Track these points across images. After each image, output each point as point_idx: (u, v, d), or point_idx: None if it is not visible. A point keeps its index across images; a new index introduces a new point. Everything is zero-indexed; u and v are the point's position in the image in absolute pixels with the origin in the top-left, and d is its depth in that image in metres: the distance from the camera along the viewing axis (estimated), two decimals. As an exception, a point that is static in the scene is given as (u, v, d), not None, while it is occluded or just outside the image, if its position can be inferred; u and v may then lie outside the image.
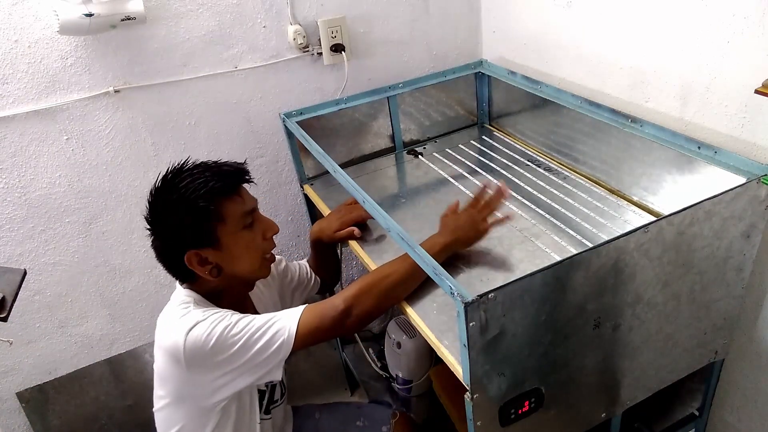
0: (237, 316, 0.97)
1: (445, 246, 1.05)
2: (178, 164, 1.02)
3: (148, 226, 1.02)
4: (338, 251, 1.44)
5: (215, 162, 1.04)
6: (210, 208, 0.97)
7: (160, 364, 1.01)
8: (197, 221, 0.97)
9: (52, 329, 1.54)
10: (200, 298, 1.04)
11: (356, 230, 1.26)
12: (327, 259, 1.40)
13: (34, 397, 1.56)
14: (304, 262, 1.40)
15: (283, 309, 1.24)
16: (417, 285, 1.05)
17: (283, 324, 0.97)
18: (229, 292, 1.07)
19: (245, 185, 1.05)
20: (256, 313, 1.15)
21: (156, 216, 1.00)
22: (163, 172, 1.01)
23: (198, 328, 0.93)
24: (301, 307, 1.00)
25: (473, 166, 1.51)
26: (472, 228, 1.09)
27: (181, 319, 0.96)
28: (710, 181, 1.06)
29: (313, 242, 1.36)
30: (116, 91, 1.36)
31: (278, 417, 1.25)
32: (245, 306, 1.14)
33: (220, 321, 0.95)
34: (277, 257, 1.34)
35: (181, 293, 1.04)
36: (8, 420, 1.57)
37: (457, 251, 1.10)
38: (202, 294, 1.04)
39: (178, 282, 1.07)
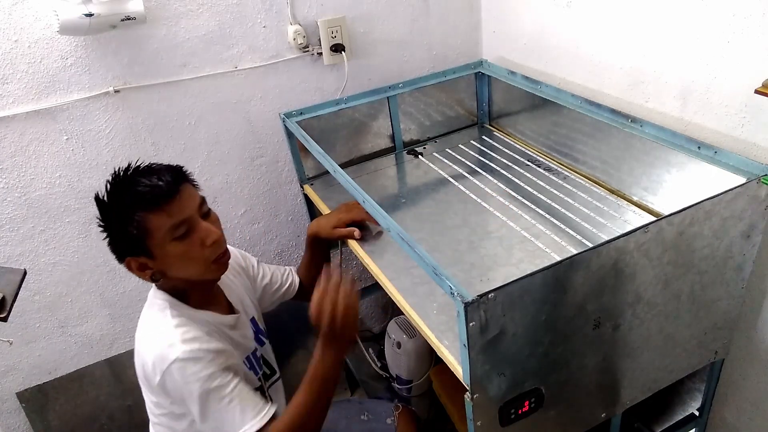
0: (217, 380, 0.96)
1: (326, 357, 1.00)
2: (118, 171, 1.00)
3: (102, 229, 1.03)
4: (330, 254, 1.44)
5: (152, 169, 1.00)
6: (133, 223, 0.96)
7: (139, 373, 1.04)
8: (125, 233, 0.97)
9: (52, 329, 1.54)
10: (174, 301, 1.04)
11: (356, 231, 1.26)
12: (320, 257, 1.41)
13: (34, 397, 1.56)
14: (285, 267, 1.39)
15: (258, 300, 1.26)
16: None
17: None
18: (194, 290, 1.07)
19: (190, 187, 1.02)
20: (229, 303, 1.16)
21: (101, 221, 1.01)
22: (110, 178, 1.00)
23: (178, 371, 0.95)
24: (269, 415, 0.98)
25: (473, 166, 1.51)
26: (343, 319, 0.99)
27: (162, 343, 0.97)
28: (710, 181, 1.06)
29: (309, 238, 1.37)
30: (116, 91, 1.36)
31: (278, 400, 1.25)
32: (217, 298, 1.13)
33: (201, 373, 0.95)
34: (252, 257, 1.32)
35: (155, 296, 1.05)
36: (8, 420, 1.57)
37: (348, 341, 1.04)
38: (171, 292, 1.05)
39: None
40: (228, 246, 1.09)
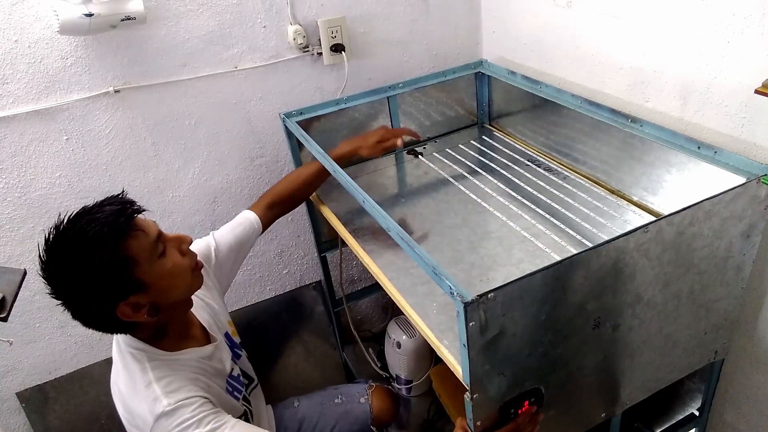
0: (210, 424, 0.93)
1: None
2: (55, 227, 0.91)
3: (58, 301, 0.90)
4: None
5: (92, 206, 0.93)
6: (117, 257, 0.88)
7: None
8: (112, 275, 0.89)
9: (52, 329, 1.54)
10: (151, 350, 0.99)
11: (400, 140, 1.37)
12: (315, 188, 1.42)
13: (34, 397, 1.56)
14: (242, 219, 1.30)
15: (228, 275, 1.24)
16: None
17: None
18: (173, 323, 1.03)
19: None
20: (204, 329, 1.12)
21: (64, 289, 0.90)
22: (45, 243, 0.89)
23: (166, 424, 0.92)
24: None
25: (473, 166, 1.51)
26: None
27: (147, 398, 0.94)
28: (710, 181, 1.06)
29: (338, 157, 1.33)
30: (116, 91, 1.36)
31: (257, 404, 1.25)
32: (192, 328, 1.10)
33: (191, 420, 0.92)
34: (210, 240, 1.24)
35: (128, 345, 1.00)
36: (8, 420, 1.57)
37: None
38: (147, 338, 1.00)
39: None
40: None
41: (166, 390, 0.94)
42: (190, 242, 1.02)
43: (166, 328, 1.02)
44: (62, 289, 0.90)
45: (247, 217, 1.30)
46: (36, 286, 1.46)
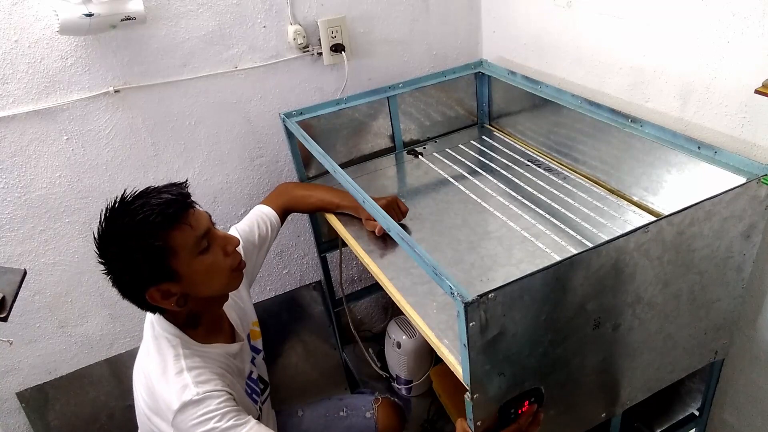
0: (232, 419, 0.93)
1: None
2: (117, 200, 0.96)
3: (104, 268, 0.97)
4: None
5: (155, 188, 0.98)
6: (157, 245, 0.92)
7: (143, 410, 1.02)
8: (148, 260, 0.92)
9: (52, 329, 1.54)
10: (185, 337, 1.01)
11: (378, 228, 1.25)
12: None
13: (34, 397, 1.56)
14: (260, 216, 1.31)
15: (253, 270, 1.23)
16: None
17: None
18: (206, 314, 1.05)
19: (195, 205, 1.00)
20: (232, 327, 1.14)
21: (107, 258, 0.95)
22: (104, 212, 0.96)
23: (191, 412, 0.93)
24: None
25: (473, 166, 1.51)
26: None
27: (176, 385, 0.95)
28: (710, 181, 1.06)
29: (337, 207, 1.36)
30: (116, 91, 1.36)
31: (267, 414, 1.25)
32: (222, 324, 1.12)
33: (216, 412, 0.93)
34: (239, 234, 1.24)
35: (163, 329, 1.02)
36: (8, 420, 1.57)
37: None
38: (181, 325, 1.02)
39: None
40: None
41: (196, 380, 0.96)
42: (237, 244, 1.04)
43: (199, 319, 1.04)
44: (105, 257, 0.95)
45: (268, 216, 1.32)
46: (36, 286, 1.47)
